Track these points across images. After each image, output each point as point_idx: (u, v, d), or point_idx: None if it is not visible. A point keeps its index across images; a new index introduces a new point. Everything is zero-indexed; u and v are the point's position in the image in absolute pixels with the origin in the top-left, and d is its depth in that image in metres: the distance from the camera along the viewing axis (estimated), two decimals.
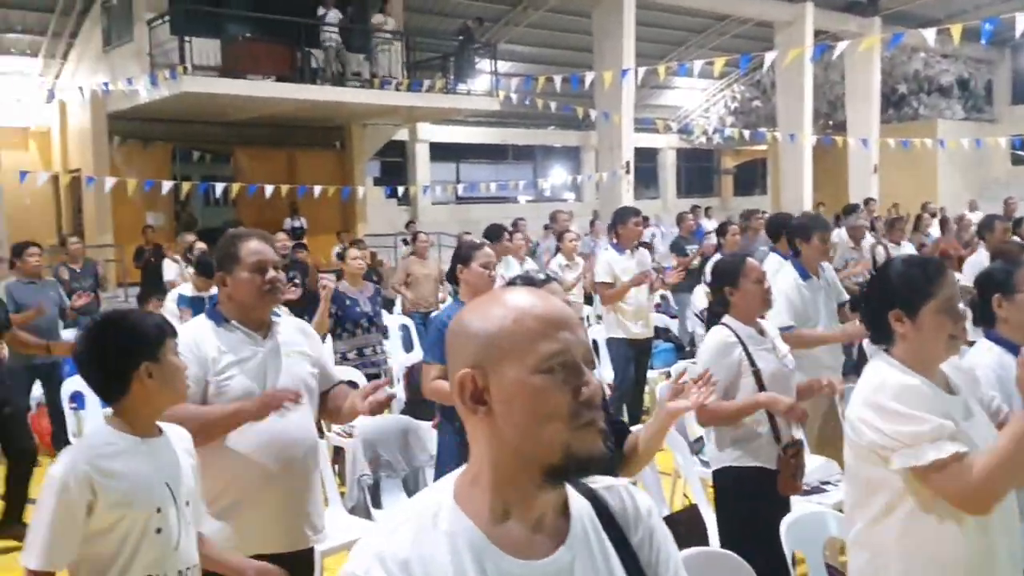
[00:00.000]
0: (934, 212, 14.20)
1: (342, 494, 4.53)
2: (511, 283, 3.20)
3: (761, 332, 3.55)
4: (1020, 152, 22.31)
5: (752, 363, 3.41)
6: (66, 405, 6.25)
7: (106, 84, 13.04)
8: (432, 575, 1.12)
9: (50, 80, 16.11)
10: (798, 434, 3.62)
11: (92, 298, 7.82)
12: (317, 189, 13.24)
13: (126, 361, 2.14)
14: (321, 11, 14.32)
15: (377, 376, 6.23)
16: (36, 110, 16.00)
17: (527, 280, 3.00)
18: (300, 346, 2.88)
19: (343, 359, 6.04)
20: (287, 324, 2.93)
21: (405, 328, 8.64)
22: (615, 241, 6.75)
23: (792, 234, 5.11)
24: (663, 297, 10.14)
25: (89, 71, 15.15)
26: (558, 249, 8.45)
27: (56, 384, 6.62)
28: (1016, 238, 9.00)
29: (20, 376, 6.63)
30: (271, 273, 2.77)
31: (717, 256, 7.76)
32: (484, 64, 17.05)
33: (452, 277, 4.23)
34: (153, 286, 9.69)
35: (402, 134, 20.14)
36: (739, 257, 3.76)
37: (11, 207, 15.28)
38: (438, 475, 4.17)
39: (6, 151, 15.60)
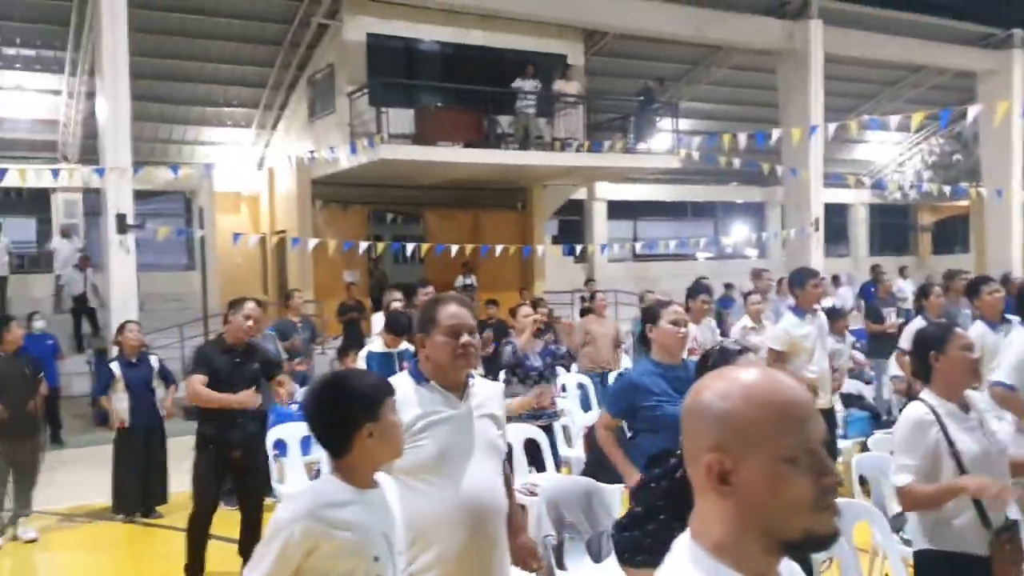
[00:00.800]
0: None
1: None
2: (705, 354, 3.19)
3: (966, 407, 3.28)
4: None
5: (950, 443, 3.15)
6: (270, 451, 6.72)
7: (311, 152, 14.08)
8: None
9: (261, 149, 17.58)
10: (1015, 513, 3.28)
11: (310, 364, 8.33)
12: (499, 248, 13.63)
13: (349, 422, 2.26)
14: (518, 81, 14.91)
15: (549, 428, 6.31)
16: (248, 177, 17.48)
17: (723, 351, 2.98)
18: (491, 410, 2.93)
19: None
20: (481, 387, 2.97)
21: (583, 387, 8.68)
22: (794, 305, 6.48)
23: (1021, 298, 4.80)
24: (856, 363, 9.66)
25: (295, 140, 16.42)
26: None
27: (264, 432, 7.12)
28: None
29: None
30: (466, 338, 2.83)
31: (919, 320, 7.33)
32: (665, 123, 17.10)
33: (643, 339, 4.21)
34: (353, 340, 10.26)
35: (580, 193, 20.43)
36: (946, 323, 3.56)
37: (224, 265, 16.67)
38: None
39: (221, 215, 17.08)
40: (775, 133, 12.87)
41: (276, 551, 2.16)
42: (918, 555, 3.32)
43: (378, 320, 10.94)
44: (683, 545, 1.28)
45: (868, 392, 8.57)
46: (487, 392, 2.99)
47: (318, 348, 13.54)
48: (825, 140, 15.93)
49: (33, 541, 6.61)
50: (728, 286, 13.76)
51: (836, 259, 22.43)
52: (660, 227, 23.72)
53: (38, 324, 10.45)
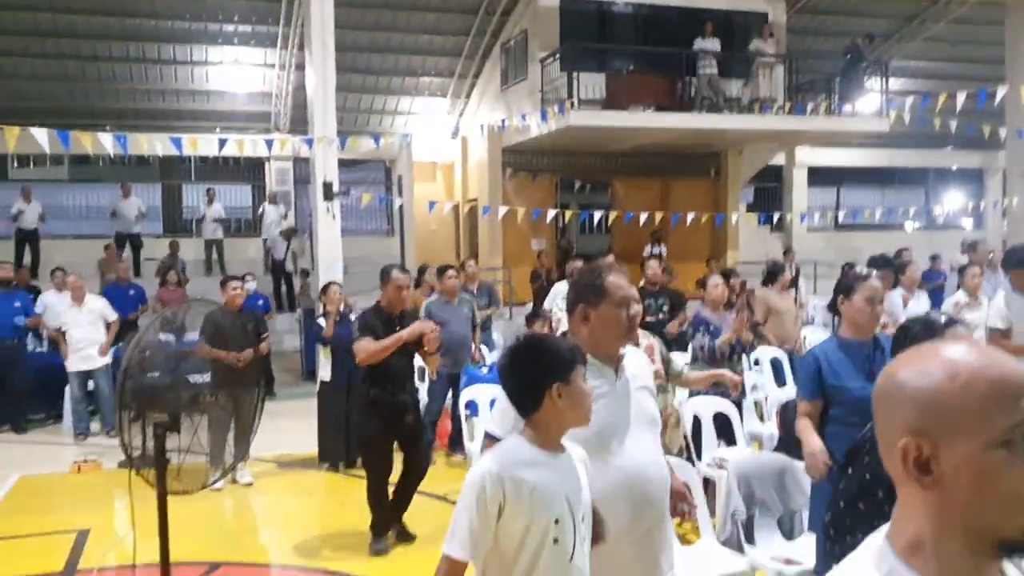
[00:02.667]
0: None
1: (712, 526, 4.51)
2: (904, 327, 2.96)
3: None
4: None
5: None
6: (462, 412, 6.97)
7: (503, 120, 14.30)
8: None
9: (455, 118, 18.06)
10: None
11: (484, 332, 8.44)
12: (690, 216, 13.35)
13: (540, 380, 2.30)
14: (698, 41, 14.45)
15: (739, 404, 6.14)
16: (443, 146, 18.02)
17: (927, 324, 2.77)
18: (644, 381, 2.85)
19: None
20: (632, 358, 2.88)
21: (777, 362, 8.37)
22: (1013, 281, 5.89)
23: None
24: None
25: (488, 109, 16.74)
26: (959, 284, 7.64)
27: (458, 393, 7.39)
28: None
29: (443, 384, 7.53)
30: (634, 308, 2.76)
31: None
32: (873, 83, 16.04)
33: (833, 307, 4.01)
34: (539, 309, 10.38)
35: (779, 159, 19.59)
36: None
37: (420, 232, 17.33)
38: (811, 517, 3.98)
39: (419, 183, 17.73)
40: (999, 92, 11.78)
41: (473, 507, 2.22)
42: None
43: (561, 288, 11.07)
44: (873, 542, 1.15)
45: None
46: (638, 363, 2.90)
47: (504, 313, 13.88)
48: None
49: (249, 485, 7.19)
50: (934, 258, 12.77)
51: None
52: (865, 195, 22.42)
53: (250, 284, 11.31)
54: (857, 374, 3.62)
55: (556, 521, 2.26)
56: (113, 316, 9.38)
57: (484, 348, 8.86)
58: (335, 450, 7.71)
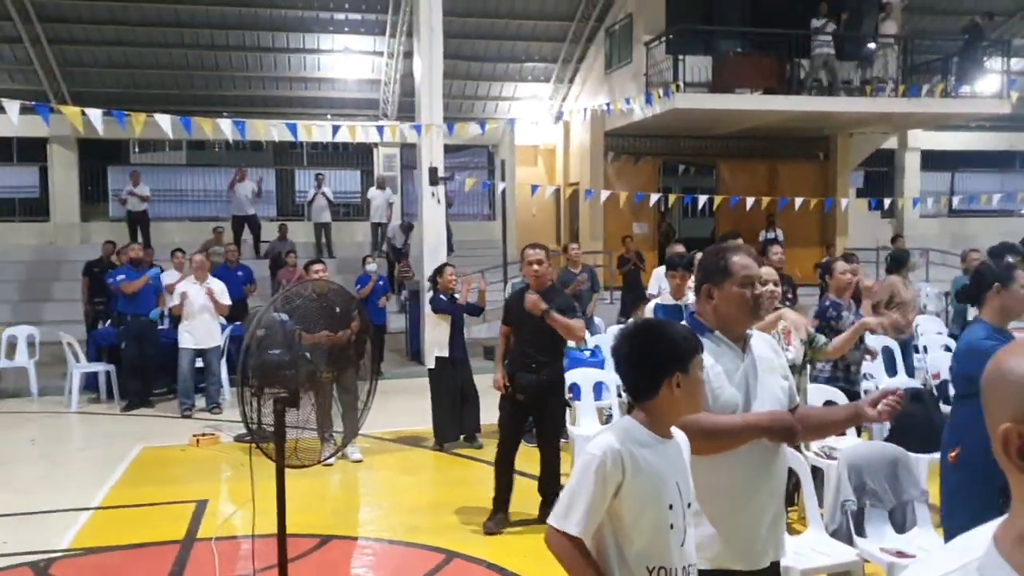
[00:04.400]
0: None
1: (820, 515, 4.47)
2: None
3: None
4: None
5: None
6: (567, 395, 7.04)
7: (607, 104, 14.26)
8: None
9: (558, 102, 18.09)
10: None
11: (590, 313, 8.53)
12: (798, 201, 13.06)
13: (660, 369, 2.29)
14: (815, 22, 14.07)
15: (857, 395, 6.03)
16: (545, 130, 18.09)
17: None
18: (771, 362, 2.85)
19: (818, 371, 5.93)
20: (759, 339, 2.90)
21: (888, 350, 8.16)
22: None
23: None
24: None
25: (591, 93, 16.71)
26: None
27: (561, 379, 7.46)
28: None
29: None
30: (759, 288, 2.78)
31: None
32: (994, 63, 15.32)
33: (976, 298, 3.94)
34: (633, 292, 10.35)
35: (890, 142, 18.91)
36: None
37: (522, 215, 17.47)
38: (945, 514, 3.89)
39: (521, 167, 17.86)
40: None
41: (592, 480, 2.22)
42: None
43: (659, 274, 11.01)
44: (989, 526, 1.14)
45: None
46: (765, 346, 2.91)
47: (604, 297, 13.89)
48: None
49: (358, 462, 7.44)
50: None
51: None
52: (981, 179, 21.44)
53: (371, 267, 11.64)
54: None
55: (670, 507, 2.28)
56: (228, 299, 9.56)
57: (587, 332, 8.91)
58: (449, 425, 7.90)
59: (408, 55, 14.55)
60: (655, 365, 2.31)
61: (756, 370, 2.79)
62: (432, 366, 7.96)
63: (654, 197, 13.40)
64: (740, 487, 2.70)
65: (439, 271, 8.16)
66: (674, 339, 2.35)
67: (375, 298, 11.20)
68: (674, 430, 2.43)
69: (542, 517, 5.64)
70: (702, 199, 13.41)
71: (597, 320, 10.25)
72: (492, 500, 5.75)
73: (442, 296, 7.87)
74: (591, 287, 9.99)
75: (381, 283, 11.51)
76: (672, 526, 2.29)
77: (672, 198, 13.96)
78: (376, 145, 17.72)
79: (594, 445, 2.29)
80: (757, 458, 2.69)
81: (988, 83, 15.28)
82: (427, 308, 8.10)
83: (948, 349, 8.30)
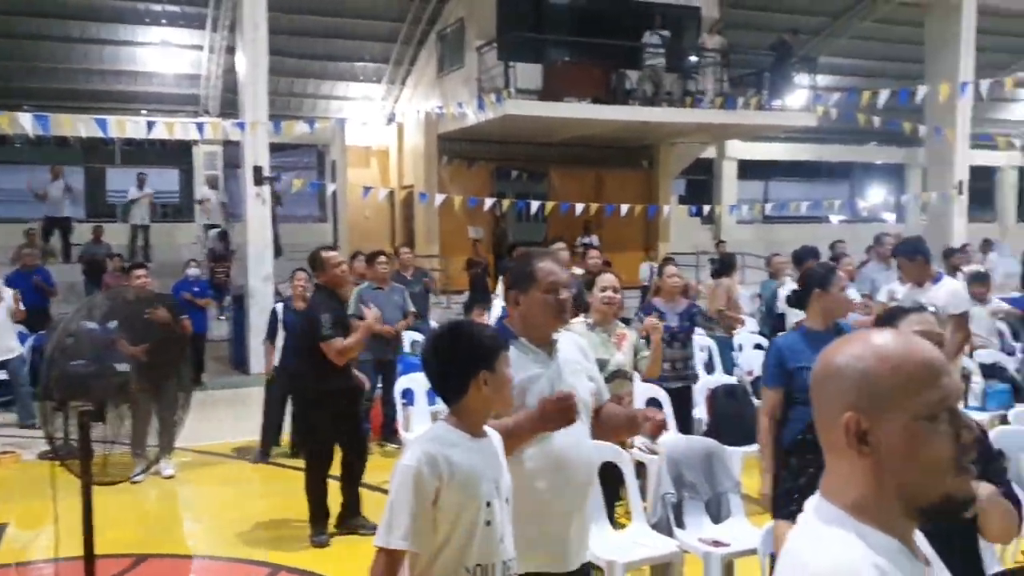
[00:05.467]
0: None
1: (644, 509, 4.59)
2: (892, 313, 3.03)
3: None
4: None
5: None
6: (398, 400, 6.95)
7: (439, 108, 14.24)
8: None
9: (391, 104, 17.92)
10: None
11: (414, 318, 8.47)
12: (624, 207, 13.50)
13: (466, 368, 2.33)
14: (648, 36, 14.59)
15: (687, 391, 6.27)
16: (378, 132, 17.87)
17: (894, 311, 2.85)
18: (578, 364, 2.89)
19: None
20: (567, 342, 2.93)
21: (708, 350, 8.54)
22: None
23: None
24: (1000, 333, 9.15)
25: (424, 96, 16.65)
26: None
27: (392, 380, 7.35)
28: None
29: (368, 370, 7.45)
30: (564, 294, 2.80)
31: None
32: (802, 78, 16.43)
33: (802, 302, 4.08)
34: (479, 296, 10.39)
35: (710, 152, 19.94)
36: None
37: (353, 218, 17.17)
38: None
39: (352, 168, 17.55)
40: (920, 90, 12.19)
41: (410, 491, 2.20)
42: None
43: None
44: (815, 505, 1.28)
45: (1010, 364, 8.09)
46: (573, 347, 2.95)
47: (441, 301, 13.87)
48: (975, 98, 14.96)
49: (170, 477, 7.01)
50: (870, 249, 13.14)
51: (981, 224, 21.17)
52: (792, 188, 22.95)
53: (192, 271, 11.06)
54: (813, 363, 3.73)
55: (488, 504, 2.29)
56: (16, 305, 8.88)
57: (421, 336, 8.84)
58: (275, 439, 7.64)
59: (230, 50, 13.98)
60: (462, 365, 2.34)
61: (561, 375, 2.81)
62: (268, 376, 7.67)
63: (488, 201, 13.49)
64: (543, 490, 2.69)
65: (292, 278, 7.92)
66: (479, 338, 2.38)
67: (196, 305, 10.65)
68: (488, 428, 2.43)
69: (342, 522, 5.59)
70: (534, 204, 13.62)
71: (433, 324, 10.20)
72: (310, 515, 5.54)
73: (287, 303, 7.66)
74: (425, 291, 9.92)
75: (196, 289, 10.95)
76: (489, 523, 2.29)
77: (506, 203, 14.11)
78: (196, 142, 16.92)
79: (408, 455, 2.28)
80: (552, 462, 2.68)
81: (797, 97, 16.35)
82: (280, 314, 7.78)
83: (760, 348, 8.77)
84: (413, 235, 16.79)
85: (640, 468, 5.33)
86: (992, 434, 5.11)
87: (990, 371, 7.57)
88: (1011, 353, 8.42)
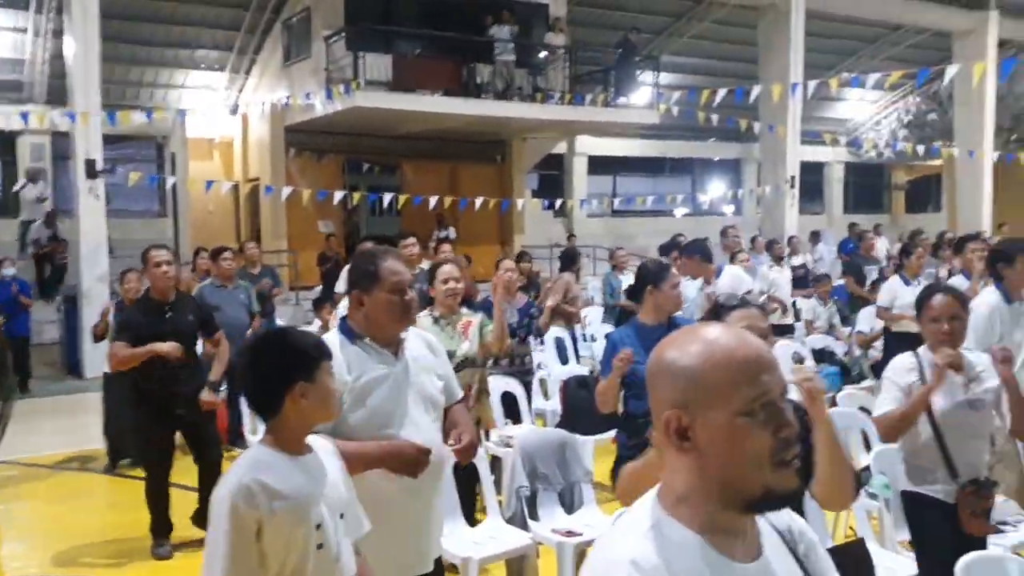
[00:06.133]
0: None
1: (499, 503, 4.62)
2: (715, 309, 3.12)
3: (955, 367, 3.41)
4: None
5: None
6: (244, 404, 6.69)
7: (286, 98, 13.84)
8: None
9: (234, 94, 17.26)
10: (998, 475, 3.53)
11: (277, 293, 8.16)
12: (478, 201, 13.55)
13: (282, 379, 2.14)
14: (494, 29, 14.64)
15: (526, 387, 6.36)
16: (221, 123, 17.17)
17: (718, 306, 2.93)
18: (427, 361, 2.86)
19: (494, 364, 6.15)
20: (415, 339, 2.89)
21: (560, 341, 8.70)
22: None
23: (995, 259, 4.90)
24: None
25: (269, 86, 16.13)
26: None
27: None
28: None
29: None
30: (409, 294, 2.76)
31: (897, 279, 7.44)
32: (646, 76, 16.96)
33: (638, 296, 4.18)
34: (331, 292, 10.14)
35: (560, 147, 20.30)
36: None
37: (196, 213, 16.46)
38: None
39: (194, 161, 16.81)
40: (755, 90, 12.83)
41: (227, 528, 2.03)
42: (901, 494, 3.55)
43: (342, 278, 10.88)
44: (647, 497, 1.30)
45: (839, 348, 8.66)
46: (421, 344, 2.92)
47: (290, 298, 13.50)
48: (804, 98, 15.90)
49: None
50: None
51: (811, 216, 22.54)
52: (639, 183, 23.67)
53: (7, 271, 10.28)
54: (645, 357, 3.82)
55: (318, 526, 2.14)
56: None
57: None
58: (126, 442, 7.14)
59: (58, 34, 13.09)
60: (276, 376, 2.15)
61: (409, 374, 2.77)
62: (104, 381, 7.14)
63: (338, 195, 13.23)
64: (393, 491, 2.66)
65: (122, 278, 7.42)
66: (296, 347, 2.21)
67: (16, 306, 9.88)
68: (313, 440, 2.28)
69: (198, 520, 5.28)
70: (387, 198, 13.46)
71: (280, 322, 9.90)
72: (151, 530, 5.25)
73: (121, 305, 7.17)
74: (273, 286, 9.61)
75: (15, 288, 10.18)
76: (322, 545, 2.16)
77: (357, 196, 13.88)
78: (21, 133, 15.75)
79: (223, 487, 2.09)
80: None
81: (642, 95, 16.87)
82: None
83: None
84: (260, 230, 16.27)
85: (496, 462, 5.37)
86: None
87: (821, 355, 8.08)
88: (839, 339, 9.00)
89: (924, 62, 19.06)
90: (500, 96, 14.74)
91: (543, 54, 15.81)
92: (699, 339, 1.26)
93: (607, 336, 4.31)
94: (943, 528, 3.30)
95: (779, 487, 1.22)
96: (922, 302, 3.47)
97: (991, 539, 3.71)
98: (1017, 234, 14.38)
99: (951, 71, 11.78)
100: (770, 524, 1.36)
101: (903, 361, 3.47)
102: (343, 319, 2.90)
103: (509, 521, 4.42)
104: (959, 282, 6.03)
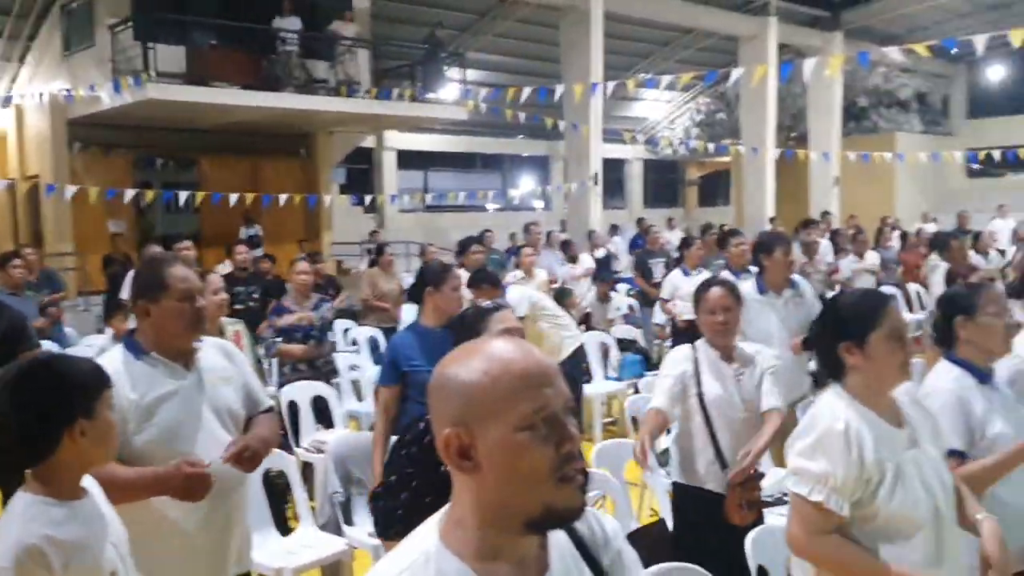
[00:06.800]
0: (894, 225, 14.46)
1: (312, 509, 4.50)
2: (465, 312, 3.08)
3: (729, 358, 3.60)
4: (975, 166, 22.77)
5: (698, 385, 3.53)
6: None
7: (68, 90, 12.82)
8: None
9: (6, 84, 15.81)
10: (761, 465, 3.67)
11: (58, 313, 7.62)
12: (283, 197, 13.14)
13: (57, 418, 1.88)
14: (277, 19, 14.17)
15: (336, 386, 6.22)
16: None
17: (477, 311, 2.87)
18: (224, 372, 2.73)
19: (293, 370, 6.00)
20: (209, 349, 2.75)
21: (374, 340, 8.58)
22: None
23: (757, 250, 5.24)
24: (630, 307, 10.21)
25: (48, 76, 14.89)
26: (517, 264, 8.48)
27: None
28: (974, 252, 9.22)
29: None
30: (200, 301, 2.63)
31: (678, 272, 7.89)
32: (453, 72, 17.05)
33: (417, 297, 4.16)
34: (119, 298, 9.49)
35: (369, 141, 20.05)
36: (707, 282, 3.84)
37: None
38: None
39: None
40: (558, 89, 13.18)
41: None
42: (673, 486, 3.72)
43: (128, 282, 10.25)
44: (431, 520, 1.26)
45: (639, 336, 9.07)
46: (218, 353, 2.78)
47: (78, 303, 12.58)
48: (604, 97, 16.51)
49: None
50: (514, 236, 14.08)
51: (614, 211, 23.52)
52: (450, 178, 23.81)
53: None
54: (430, 358, 3.78)
55: (113, 574, 1.95)
56: None
57: (55, 345, 7.90)
58: None
59: None
60: (52, 415, 1.87)
61: (203, 387, 2.63)
62: None
63: (129, 193, 12.41)
64: (186, 524, 2.52)
65: None
66: (72, 378, 1.94)
67: None
68: (86, 482, 2.03)
69: None
70: (183, 195, 12.78)
71: (68, 330, 9.17)
72: None
73: None
74: (54, 289, 8.90)
75: None
76: None
77: (150, 194, 13.08)
78: None
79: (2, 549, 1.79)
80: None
81: (450, 90, 16.94)
82: None
83: None
84: (41, 232, 15.03)
85: (308, 468, 5.22)
86: (626, 405, 5.69)
87: (623, 344, 8.44)
88: (640, 327, 9.43)
89: (713, 64, 20.33)
90: (302, 89, 14.33)
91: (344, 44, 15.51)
92: (477, 353, 1.22)
93: (390, 339, 4.27)
94: (709, 518, 3.43)
95: (560, 504, 1.18)
96: (698, 295, 3.66)
97: (774, 510, 4.00)
98: (789, 226, 15.66)
99: (736, 73, 12.60)
100: (568, 538, 1.32)
101: (679, 352, 3.64)
102: (129, 332, 2.71)
103: (323, 528, 4.33)
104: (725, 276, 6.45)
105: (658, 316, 8.69)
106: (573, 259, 10.86)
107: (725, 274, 6.27)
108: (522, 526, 1.20)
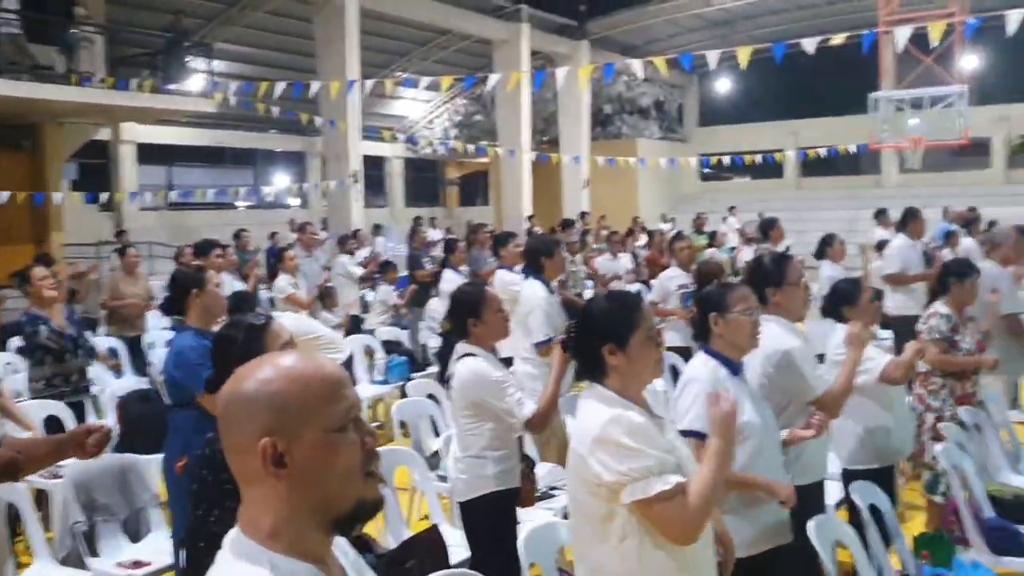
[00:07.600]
0: (644, 226, 15.50)
1: (49, 541, 4.06)
2: (232, 324, 2.85)
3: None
4: (707, 170, 24.97)
5: None
6: None
7: None
8: None
9: None
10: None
11: None
12: (4, 195, 11.85)
13: None
14: None
15: (81, 405, 5.67)
16: None
17: (250, 327, 2.68)
18: None
19: (47, 386, 5.44)
20: None
21: (115, 352, 7.88)
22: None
23: (537, 252, 5.41)
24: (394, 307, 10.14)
25: None
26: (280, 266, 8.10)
27: None
28: (713, 248, 10.07)
29: None
30: None
31: (449, 272, 7.94)
32: (198, 63, 16.10)
33: (176, 307, 4.02)
34: None
35: (104, 134, 18.49)
36: (480, 287, 3.89)
37: None
38: (178, 516, 3.80)
39: None
40: (313, 86, 12.84)
41: None
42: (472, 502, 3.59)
43: None
44: (230, 539, 1.27)
45: (405, 338, 9.01)
46: None
47: None
48: (362, 95, 16.32)
49: None
50: (273, 235, 13.56)
51: (375, 210, 23.34)
52: (197, 174, 22.56)
53: None
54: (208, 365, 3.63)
55: None
56: None
57: None
58: None
59: None
60: None
61: None
62: None
63: None
64: None
65: None
66: None
67: None
68: None
69: None
70: None
71: None
72: None
73: None
74: None
75: None
76: None
77: None
78: None
79: None
80: None
81: (196, 82, 15.97)
82: None
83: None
84: None
85: (42, 496, 4.71)
86: (393, 409, 5.61)
87: (389, 346, 8.36)
88: (405, 328, 9.36)
89: (471, 66, 20.75)
90: (25, 75, 12.93)
91: (74, 30, 14.19)
92: (276, 367, 1.27)
93: (179, 354, 3.91)
94: (510, 513, 3.54)
95: (369, 497, 1.27)
96: (478, 298, 3.72)
97: (543, 504, 4.12)
98: (545, 225, 16.34)
99: (493, 78, 12.89)
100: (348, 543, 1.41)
101: (460, 348, 3.68)
102: None
103: (63, 562, 3.92)
104: (502, 275, 6.61)
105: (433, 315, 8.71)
106: (350, 253, 10.62)
107: (503, 272, 6.51)
108: (332, 524, 1.27)
